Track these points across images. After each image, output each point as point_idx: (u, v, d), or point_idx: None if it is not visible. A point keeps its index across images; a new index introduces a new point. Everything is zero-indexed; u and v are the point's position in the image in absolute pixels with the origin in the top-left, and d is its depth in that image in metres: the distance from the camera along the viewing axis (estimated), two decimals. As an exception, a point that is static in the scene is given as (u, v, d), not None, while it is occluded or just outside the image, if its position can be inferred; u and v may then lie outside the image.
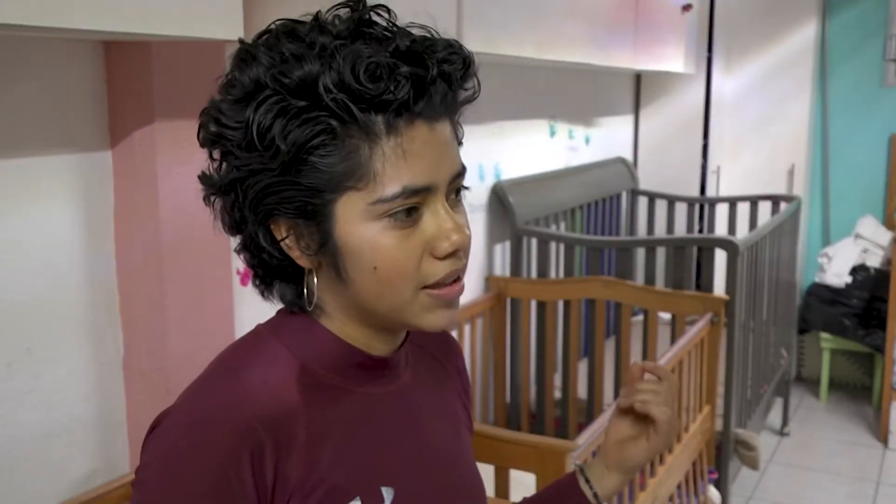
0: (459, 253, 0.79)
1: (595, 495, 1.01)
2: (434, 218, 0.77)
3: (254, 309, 1.86)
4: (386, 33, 0.75)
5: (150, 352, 1.59)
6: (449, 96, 0.77)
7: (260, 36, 0.77)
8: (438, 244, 0.77)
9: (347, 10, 0.77)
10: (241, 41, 0.79)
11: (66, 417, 1.52)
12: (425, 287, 0.78)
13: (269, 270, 0.82)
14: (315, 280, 0.80)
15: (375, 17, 0.77)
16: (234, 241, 0.84)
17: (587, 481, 1.01)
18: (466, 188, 0.82)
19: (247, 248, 0.82)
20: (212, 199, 0.81)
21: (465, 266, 0.80)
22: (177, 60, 1.53)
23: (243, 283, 1.88)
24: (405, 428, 0.87)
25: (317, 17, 0.77)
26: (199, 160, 0.82)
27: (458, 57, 0.76)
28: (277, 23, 0.77)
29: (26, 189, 1.43)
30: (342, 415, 0.81)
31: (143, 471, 0.75)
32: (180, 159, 1.55)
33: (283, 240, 0.78)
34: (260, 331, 0.84)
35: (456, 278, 0.80)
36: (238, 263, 1.83)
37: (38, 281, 1.46)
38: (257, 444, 0.73)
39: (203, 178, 0.81)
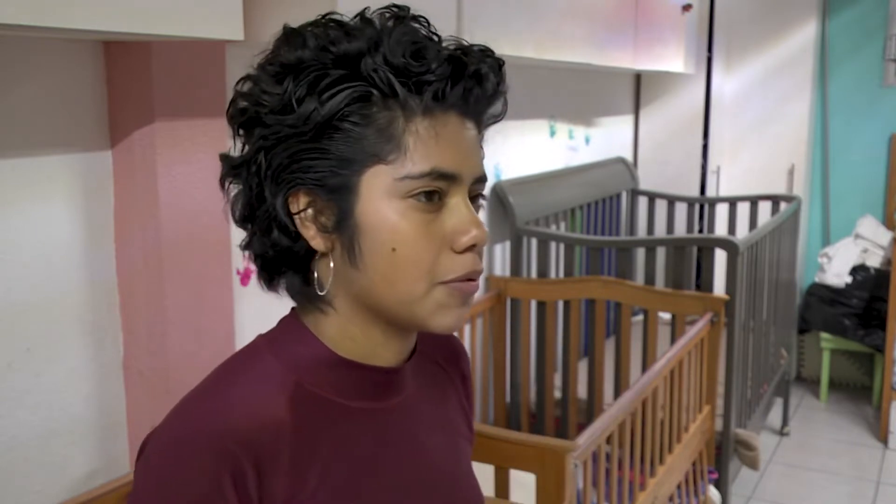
0: (477, 250, 0.79)
1: None
2: (455, 211, 0.77)
3: (254, 309, 1.87)
4: (427, 38, 0.78)
5: (150, 352, 1.59)
6: (481, 97, 0.79)
7: (307, 26, 0.79)
8: (458, 237, 0.77)
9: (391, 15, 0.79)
10: (285, 26, 0.80)
11: (66, 417, 1.53)
12: (441, 283, 0.77)
13: (278, 255, 0.80)
14: (331, 264, 0.78)
15: (416, 26, 0.79)
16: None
17: None
18: (484, 196, 0.83)
19: (260, 232, 0.79)
20: (227, 183, 0.81)
21: (481, 270, 0.80)
22: (177, 60, 1.53)
23: (243, 283, 1.88)
24: (403, 444, 0.85)
25: (363, 12, 0.78)
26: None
27: (493, 60, 0.79)
28: (324, 16, 0.79)
29: (26, 189, 1.43)
30: (336, 432, 0.79)
31: (133, 497, 0.74)
32: (180, 159, 1.54)
33: (299, 212, 0.77)
34: (258, 343, 0.82)
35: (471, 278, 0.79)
36: (238, 263, 1.82)
37: (38, 281, 1.46)
38: (237, 467, 0.72)
39: (224, 157, 0.81)
